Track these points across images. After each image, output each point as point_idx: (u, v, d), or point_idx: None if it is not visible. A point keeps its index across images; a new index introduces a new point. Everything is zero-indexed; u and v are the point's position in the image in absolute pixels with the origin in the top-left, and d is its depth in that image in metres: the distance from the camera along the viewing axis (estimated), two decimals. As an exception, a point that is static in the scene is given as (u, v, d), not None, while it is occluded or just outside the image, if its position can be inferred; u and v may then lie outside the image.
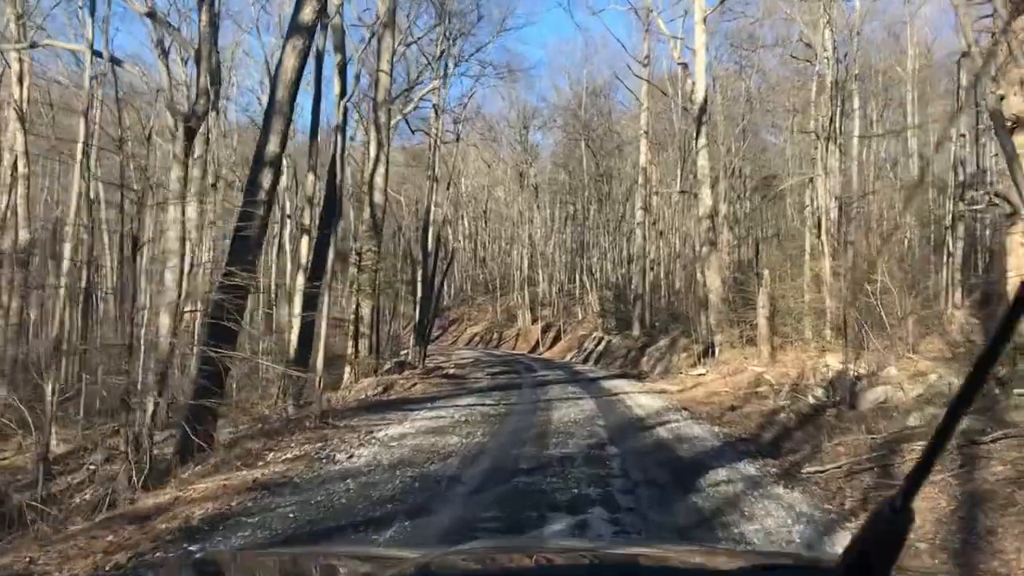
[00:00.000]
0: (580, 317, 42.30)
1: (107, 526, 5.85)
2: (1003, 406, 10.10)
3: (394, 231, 34.46)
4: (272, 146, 11.27)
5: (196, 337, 11.45)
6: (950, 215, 24.35)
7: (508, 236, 53.88)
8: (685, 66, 24.02)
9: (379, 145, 21.97)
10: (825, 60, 23.12)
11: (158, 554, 4.83)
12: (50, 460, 10.50)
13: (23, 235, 19.70)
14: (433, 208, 27.59)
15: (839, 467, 9.05)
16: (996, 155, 20.97)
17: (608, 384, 19.47)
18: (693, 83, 23.47)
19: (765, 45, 31.80)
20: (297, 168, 31.99)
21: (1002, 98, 12.08)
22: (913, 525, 0.75)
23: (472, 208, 58.92)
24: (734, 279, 26.00)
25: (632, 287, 34.23)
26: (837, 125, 24.15)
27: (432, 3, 29.90)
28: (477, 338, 48.91)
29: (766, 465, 8.99)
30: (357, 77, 29.44)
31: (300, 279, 18.48)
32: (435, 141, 29.15)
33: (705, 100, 22.91)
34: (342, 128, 18.77)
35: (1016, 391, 10.23)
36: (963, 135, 23.17)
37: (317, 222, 19.36)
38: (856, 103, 25.87)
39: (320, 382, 14.61)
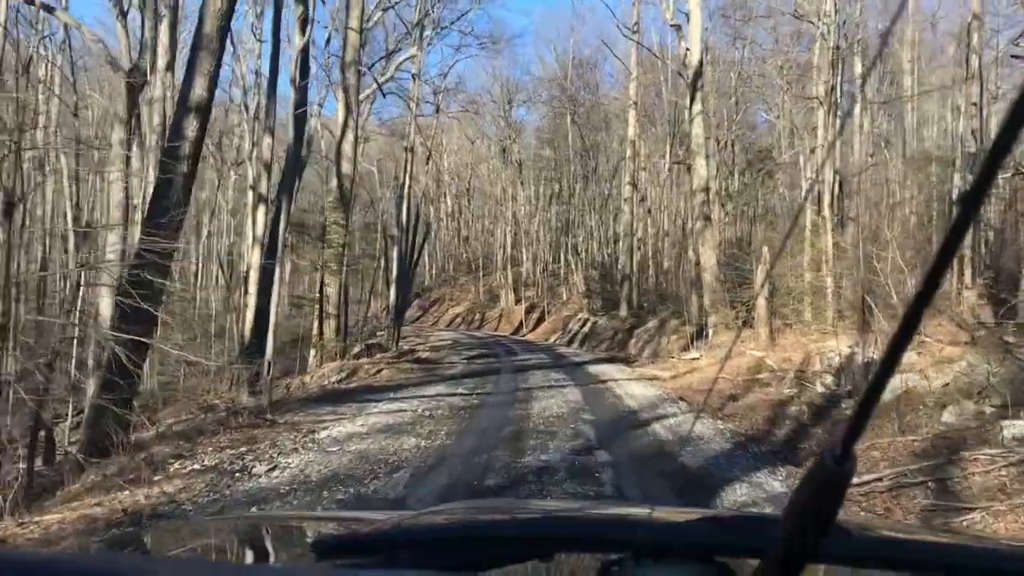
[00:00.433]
0: (565, 298, 40.55)
1: None
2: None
3: (367, 205, 32.44)
4: (199, 89, 9.35)
5: (105, 320, 9.57)
6: (957, 189, 22.65)
7: (492, 215, 51.93)
8: (678, 28, 22.12)
9: (347, 109, 20.01)
10: (825, 25, 21.33)
11: None
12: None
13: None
14: (409, 181, 25.61)
15: (879, 479, 7.32)
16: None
17: (594, 369, 17.71)
18: (687, 49, 21.60)
19: (759, 16, 29.95)
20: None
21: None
22: (854, 474, 0.70)
23: (455, 186, 56.90)
24: (726, 258, 24.28)
25: (619, 266, 32.46)
26: (838, 95, 22.41)
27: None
28: (459, 319, 47.07)
29: (790, 476, 7.25)
30: (328, 40, 27.50)
31: (255, 254, 16.58)
32: (413, 110, 27.16)
33: (700, 64, 21.07)
34: (295, 82, 16.76)
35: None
36: (974, 104, 21.42)
37: (276, 191, 17.43)
38: (858, 68, 24.05)
39: (269, 369, 12.76)
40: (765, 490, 6.42)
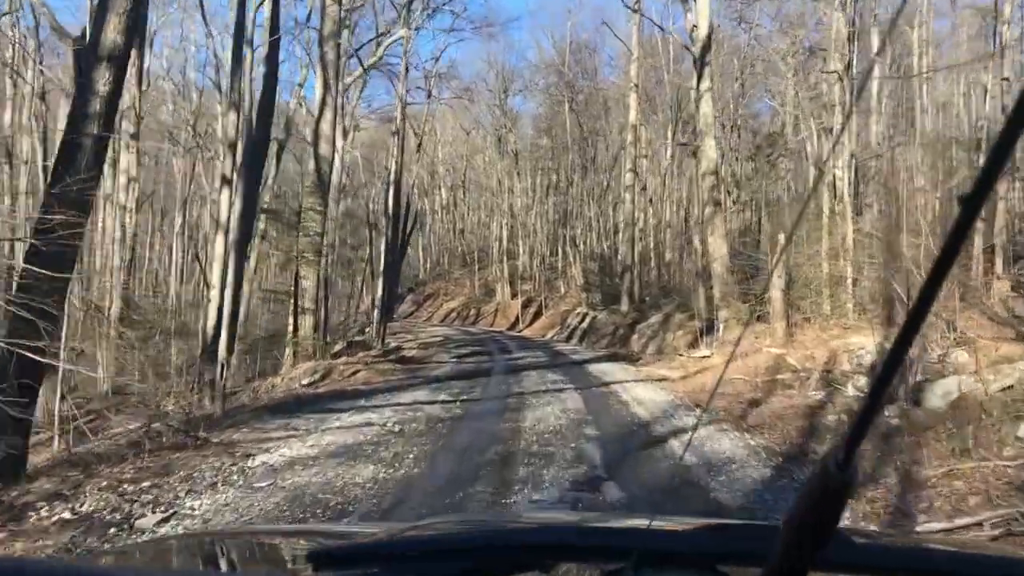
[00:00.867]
0: (563, 292, 38.72)
1: None
2: None
3: (353, 194, 30.53)
4: (112, 32, 7.51)
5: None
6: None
7: (488, 207, 50.01)
8: (684, 0, 20.32)
9: (325, 86, 18.15)
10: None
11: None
12: None
13: None
14: (395, 167, 23.76)
15: (979, 523, 5.51)
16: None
17: (596, 369, 15.91)
18: (694, 26, 19.76)
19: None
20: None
21: None
22: (856, 481, 0.68)
23: (450, 178, 55.00)
24: (735, 249, 22.45)
25: (619, 258, 30.62)
26: (853, 72, 20.57)
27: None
28: (454, 314, 45.21)
29: (858, 519, 5.45)
30: (308, 16, 25.67)
31: (219, 242, 14.75)
32: (400, 90, 25.30)
33: (708, 37, 19.22)
34: (251, 43, 14.90)
35: None
36: (1005, 79, 19.59)
37: (244, 174, 15.57)
38: (875, 43, 22.18)
39: (223, 372, 10.94)
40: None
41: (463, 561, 1.18)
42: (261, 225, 19.91)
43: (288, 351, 16.49)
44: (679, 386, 13.78)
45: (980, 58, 23.07)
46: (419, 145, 32.22)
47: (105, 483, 5.79)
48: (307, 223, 17.42)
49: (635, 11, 26.62)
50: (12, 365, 6.68)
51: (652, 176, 34.41)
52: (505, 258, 43.32)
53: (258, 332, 20.12)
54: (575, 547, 1.27)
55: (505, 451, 7.17)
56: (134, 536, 4.58)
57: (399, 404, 10.19)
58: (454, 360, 17.46)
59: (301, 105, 28.24)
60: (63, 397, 11.01)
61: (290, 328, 17.23)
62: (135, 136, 19.79)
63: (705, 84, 18.99)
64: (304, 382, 14.04)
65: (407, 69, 30.30)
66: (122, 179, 20.14)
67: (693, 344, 19.84)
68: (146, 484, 5.76)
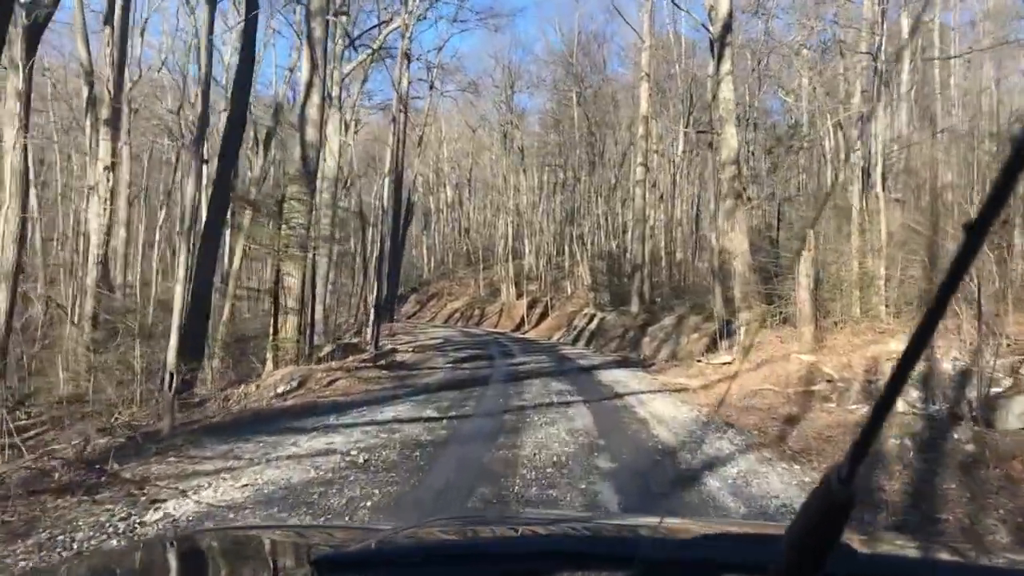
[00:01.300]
0: (569, 292, 36.96)
1: None
2: None
3: (353, 187, 28.73)
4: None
5: None
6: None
7: (494, 205, 48.21)
8: (702, -23, 18.57)
9: (313, 65, 16.44)
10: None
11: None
12: None
13: None
14: (391, 158, 22.02)
15: None
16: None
17: (606, 377, 14.16)
18: (712, 5, 17.98)
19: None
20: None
21: None
22: (858, 495, 0.68)
23: (455, 176, 53.27)
24: (753, 245, 20.62)
25: (630, 256, 28.84)
26: (883, 55, 18.74)
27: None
28: (457, 314, 43.45)
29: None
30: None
31: (187, 234, 13.02)
32: (399, 76, 23.58)
33: (729, 15, 17.46)
34: (219, 10, 13.17)
35: None
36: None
37: (217, 158, 13.88)
38: (904, 27, 20.36)
39: (171, 383, 9.22)
40: None
41: (468, 567, 1.16)
42: (246, 220, 18.24)
43: (268, 355, 14.76)
44: (701, 398, 12.02)
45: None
46: (420, 138, 30.49)
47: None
48: (290, 214, 15.69)
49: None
50: None
51: (662, 173, 32.63)
52: (511, 257, 41.59)
53: (247, 332, 18.44)
54: (580, 554, 1.24)
55: (494, 495, 5.41)
56: None
57: (374, 422, 8.42)
58: (450, 365, 15.68)
59: (296, 92, 26.54)
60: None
61: (273, 330, 15.51)
62: (108, 122, 18.07)
63: (725, 66, 17.20)
64: (279, 390, 12.32)
65: (408, 57, 28.62)
66: (99, 167, 18.48)
67: (710, 348, 18.09)
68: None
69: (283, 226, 15.79)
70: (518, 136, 43.27)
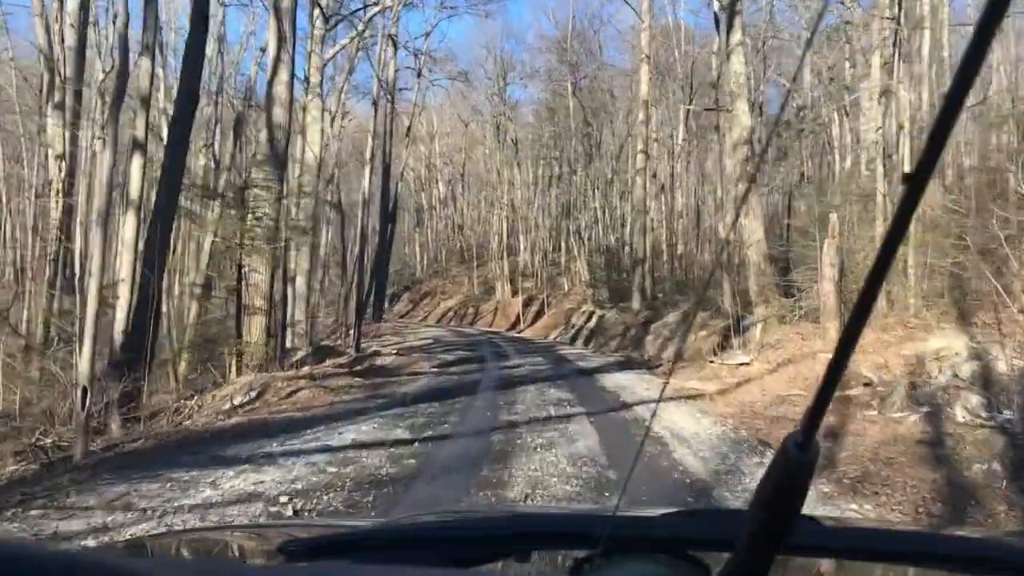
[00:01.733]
0: (566, 289, 35.19)
1: None
2: None
3: (330, 180, 26.84)
4: None
5: None
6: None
7: (488, 201, 46.37)
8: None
9: (280, 39, 14.68)
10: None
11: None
12: None
13: None
14: (372, 142, 20.23)
15: None
16: None
17: (610, 382, 12.43)
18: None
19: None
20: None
21: None
22: (817, 460, 0.68)
23: (448, 171, 51.46)
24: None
25: (629, 251, 27.10)
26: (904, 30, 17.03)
27: None
28: (451, 313, 41.65)
29: None
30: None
31: (131, 223, 11.27)
32: (381, 55, 21.82)
33: (740, -19, 15.72)
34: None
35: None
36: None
37: (167, 140, 12.11)
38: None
39: (84, 400, 7.45)
40: None
41: (442, 550, 1.15)
42: (216, 211, 16.48)
43: (229, 361, 13.01)
44: (721, 406, 10.29)
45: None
46: (408, 128, 28.69)
47: None
48: (256, 203, 13.95)
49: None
50: None
51: (662, 163, 30.90)
52: (505, 254, 39.79)
53: (219, 335, 16.66)
54: (548, 534, 1.25)
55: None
56: None
57: (327, 448, 6.65)
58: (435, 370, 13.89)
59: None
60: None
61: (236, 332, 13.76)
62: (60, 106, 16.29)
63: (736, 36, 15.47)
64: (235, 402, 10.57)
65: (394, 42, 26.87)
66: (51, 157, 16.72)
67: (720, 347, 16.37)
68: None
69: (249, 216, 14.06)
70: (512, 128, 41.49)
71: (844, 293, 14.29)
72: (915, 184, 0.59)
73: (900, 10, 15.92)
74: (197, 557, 1.47)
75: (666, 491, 5.37)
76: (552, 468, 5.94)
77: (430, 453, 6.55)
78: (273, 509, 4.80)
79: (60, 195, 16.55)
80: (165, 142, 12.23)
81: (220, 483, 5.45)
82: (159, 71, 21.12)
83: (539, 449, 6.67)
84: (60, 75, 16.40)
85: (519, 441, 7.07)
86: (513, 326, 34.03)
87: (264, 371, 13.03)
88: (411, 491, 5.27)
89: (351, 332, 17.75)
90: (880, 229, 15.12)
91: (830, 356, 0.66)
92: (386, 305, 46.36)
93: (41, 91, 18.04)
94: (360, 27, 24.88)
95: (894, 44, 16.48)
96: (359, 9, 26.65)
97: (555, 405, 9.36)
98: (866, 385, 10.96)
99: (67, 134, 16.50)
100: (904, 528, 1.48)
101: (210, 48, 27.02)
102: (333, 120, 29.56)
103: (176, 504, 4.92)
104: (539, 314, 33.69)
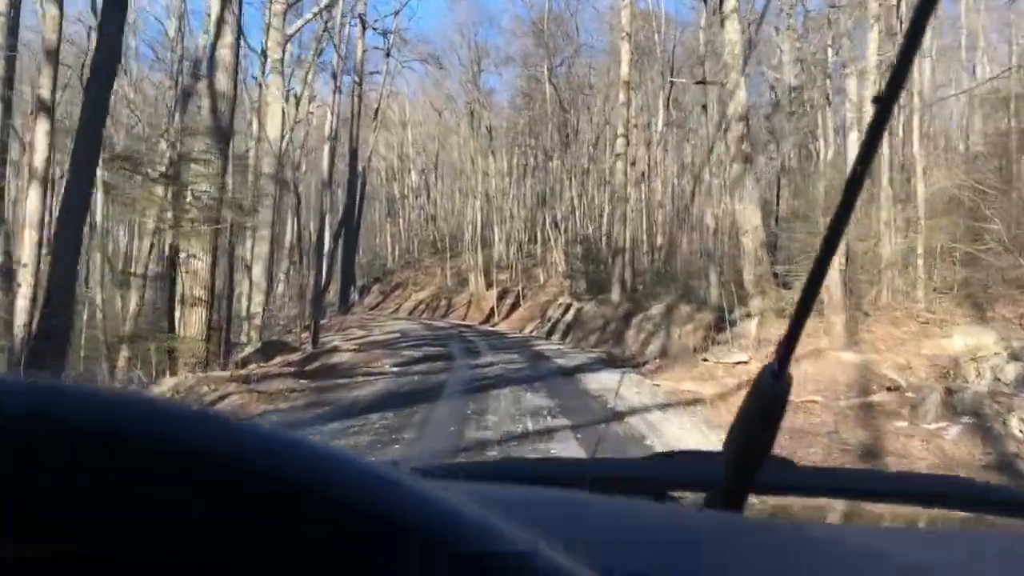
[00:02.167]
0: (542, 281, 33.61)
1: None
2: None
3: (296, 167, 24.94)
4: None
5: None
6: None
7: (462, 191, 44.57)
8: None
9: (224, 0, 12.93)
10: None
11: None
12: None
13: None
14: (331, 119, 18.44)
15: None
16: None
17: (594, 383, 10.83)
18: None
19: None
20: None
21: None
22: (791, 389, 0.68)
23: (422, 161, 49.60)
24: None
25: (609, 240, 25.55)
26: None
27: None
28: (423, 306, 39.90)
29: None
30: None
31: (33, 199, 9.47)
32: (339, 21, 20.01)
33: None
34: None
35: None
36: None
37: (82, 103, 10.25)
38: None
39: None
40: None
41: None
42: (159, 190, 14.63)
43: (159, 359, 11.25)
44: (724, 414, 8.69)
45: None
46: (376, 110, 26.86)
47: None
48: (193, 179, 12.17)
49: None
50: None
51: (642, 148, 29.33)
52: (479, 246, 38.08)
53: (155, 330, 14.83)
54: (535, 476, 1.21)
55: None
56: None
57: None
58: (396, 370, 12.16)
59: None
60: None
61: (168, 326, 11.99)
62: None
63: (731, 2, 13.89)
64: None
65: (363, 22, 25.05)
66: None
67: (708, 341, 14.86)
68: None
69: (189, 196, 12.29)
70: (486, 116, 39.75)
71: (850, 284, 12.84)
72: (884, 106, 0.57)
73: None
74: None
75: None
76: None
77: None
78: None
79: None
80: (82, 102, 10.38)
81: None
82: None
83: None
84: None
85: (488, 469, 5.42)
86: (487, 319, 32.39)
87: (207, 370, 11.32)
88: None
89: (311, 325, 16.01)
90: (885, 214, 13.67)
91: (803, 289, 0.64)
92: (356, 297, 44.50)
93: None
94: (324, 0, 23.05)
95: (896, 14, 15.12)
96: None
97: (533, 416, 7.72)
98: (890, 389, 9.44)
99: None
100: (882, 471, 1.28)
101: (172, 29, 25.15)
102: (299, 103, 27.75)
103: None
104: (514, 307, 32.09)
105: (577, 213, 32.39)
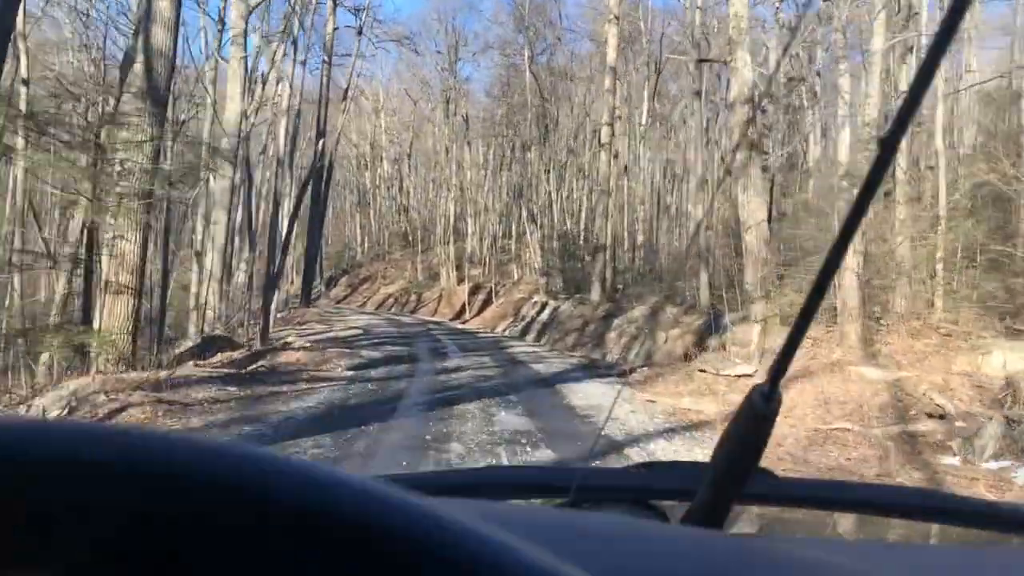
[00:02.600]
0: (516, 277, 31.99)
1: None
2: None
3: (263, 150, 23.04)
4: None
5: None
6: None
7: (436, 184, 42.78)
8: None
9: (162, -59, 11.10)
10: None
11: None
12: None
13: None
14: (289, 92, 16.64)
15: None
16: None
17: (578, 396, 9.23)
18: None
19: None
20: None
21: None
22: (779, 410, 0.68)
23: (395, 150, 47.72)
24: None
25: (588, 236, 24.00)
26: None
27: None
28: (391, 300, 38.10)
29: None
30: None
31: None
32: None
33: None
34: None
35: None
36: None
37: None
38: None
39: None
40: None
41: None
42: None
43: (57, 357, 9.45)
44: (739, 441, 7.08)
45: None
46: (346, 91, 25.01)
47: None
48: (124, 147, 10.36)
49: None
50: None
51: (625, 140, 27.79)
52: (452, 239, 36.35)
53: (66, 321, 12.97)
54: (521, 485, 1.24)
55: None
56: None
57: None
58: (349, 374, 10.43)
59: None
60: None
61: (83, 317, 10.19)
62: None
63: (738, -29, 12.31)
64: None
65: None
66: None
67: (698, 346, 13.40)
68: None
69: (116, 165, 10.49)
70: (462, 105, 38.01)
71: (867, 290, 11.36)
72: (888, 146, 0.57)
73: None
74: None
75: None
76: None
77: None
78: None
79: None
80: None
81: None
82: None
83: None
84: None
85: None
86: (458, 316, 30.72)
87: (132, 369, 9.56)
88: None
89: (258, 319, 14.24)
90: (901, 213, 12.20)
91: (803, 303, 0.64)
92: (322, 289, 42.61)
93: None
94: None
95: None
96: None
97: (509, 444, 6.09)
98: (930, 416, 7.94)
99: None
100: (862, 482, 1.15)
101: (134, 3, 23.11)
102: (264, 84, 25.87)
103: None
104: (486, 303, 30.43)
105: (555, 207, 30.79)
